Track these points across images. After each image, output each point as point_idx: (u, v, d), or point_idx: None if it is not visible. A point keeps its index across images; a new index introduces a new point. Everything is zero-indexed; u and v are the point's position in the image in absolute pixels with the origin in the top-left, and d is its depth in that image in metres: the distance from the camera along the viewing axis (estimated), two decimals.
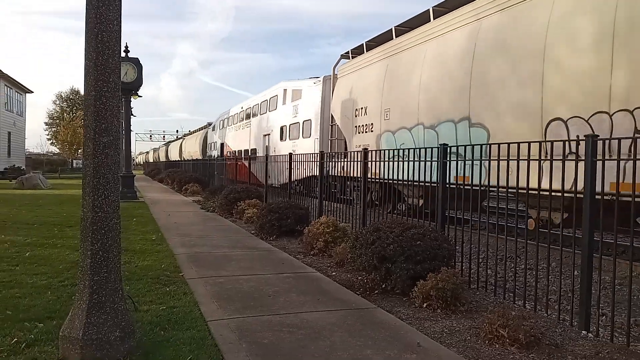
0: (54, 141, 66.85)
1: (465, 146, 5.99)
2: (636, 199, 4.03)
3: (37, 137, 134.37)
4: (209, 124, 40.43)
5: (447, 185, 6.37)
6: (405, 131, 11.75)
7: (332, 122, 16.21)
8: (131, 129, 19.38)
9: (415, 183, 7.02)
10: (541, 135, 8.13)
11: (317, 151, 13.09)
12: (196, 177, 23.51)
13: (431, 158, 6.43)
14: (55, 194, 19.79)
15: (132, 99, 18.68)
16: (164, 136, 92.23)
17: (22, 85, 40.42)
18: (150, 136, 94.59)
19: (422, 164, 6.62)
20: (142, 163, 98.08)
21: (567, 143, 5.12)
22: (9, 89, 37.98)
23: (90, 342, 3.39)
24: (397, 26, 12.75)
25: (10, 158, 37.43)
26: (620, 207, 4.18)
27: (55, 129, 67.17)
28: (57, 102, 75.05)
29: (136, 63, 17.21)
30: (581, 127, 7.48)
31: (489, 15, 9.55)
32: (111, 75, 3.59)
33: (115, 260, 3.61)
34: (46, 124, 74.51)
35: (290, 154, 12.39)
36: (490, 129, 9.24)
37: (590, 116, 7.39)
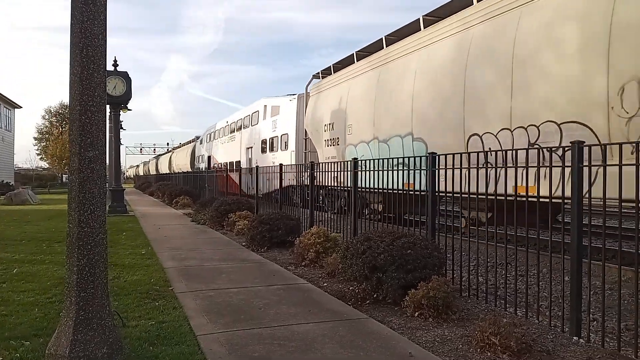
0: (43, 156, 66.38)
1: (460, 154, 6.00)
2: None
3: (26, 153, 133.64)
4: (197, 138, 42.10)
5: (437, 194, 6.38)
6: (364, 144, 13.34)
7: (305, 136, 17.78)
8: (121, 142, 19.30)
9: (377, 190, 7.69)
10: (465, 147, 9.61)
11: (293, 162, 15.31)
12: (187, 189, 23.41)
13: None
14: (44, 209, 19.62)
15: (121, 113, 18.61)
16: (154, 149, 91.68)
17: (10, 100, 40.16)
18: (141, 149, 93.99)
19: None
20: (132, 176, 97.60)
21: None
22: None
23: (77, 359, 3.34)
24: (358, 51, 14.55)
25: None
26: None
27: (44, 143, 66.73)
28: (47, 116, 74.64)
29: (125, 77, 17.18)
30: (492, 141, 8.99)
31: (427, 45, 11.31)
32: (96, 89, 3.57)
33: (102, 276, 3.57)
34: (35, 138, 74.02)
35: (281, 165, 12.38)
36: (427, 143, 10.88)
37: (498, 132, 8.88)
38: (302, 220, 10.10)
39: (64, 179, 57.76)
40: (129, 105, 18.48)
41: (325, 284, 6.46)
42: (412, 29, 11.97)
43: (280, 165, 12.50)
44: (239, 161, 24.87)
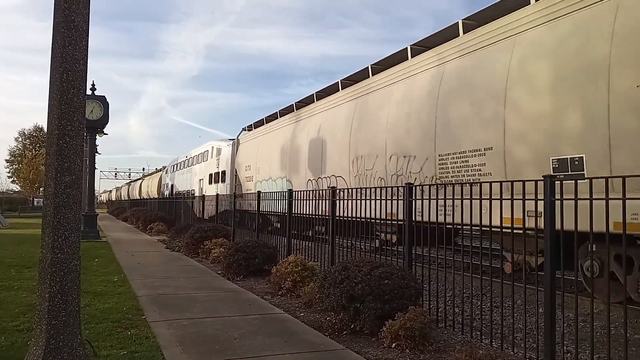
0: (15, 178, 65.04)
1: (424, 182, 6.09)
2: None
3: None
4: (164, 167, 47.85)
5: (414, 224, 6.43)
6: (269, 180, 18.52)
7: (236, 173, 23.06)
8: (96, 166, 19.05)
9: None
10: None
11: (229, 192, 20.73)
12: (161, 215, 23.10)
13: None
14: (14, 233, 19.12)
15: (97, 137, 18.42)
16: (129, 174, 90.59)
17: None
18: (116, 174, 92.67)
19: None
20: (105, 201, 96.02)
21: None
22: None
23: None
24: (267, 116, 20.32)
25: None
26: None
27: (16, 166, 65.45)
28: (20, 139, 73.40)
29: (102, 101, 17.09)
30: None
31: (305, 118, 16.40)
32: (75, 113, 3.57)
33: (74, 304, 3.50)
34: (7, 161, 72.60)
35: (259, 192, 12.39)
36: (293, 183, 16.02)
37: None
38: (280, 248, 10.05)
39: (35, 203, 56.61)
40: (106, 130, 18.36)
41: (302, 314, 6.40)
42: (310, 100, 16.34)
43: (217, 194, 16.75)
44: (194, 190, 29.68)
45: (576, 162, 6.95)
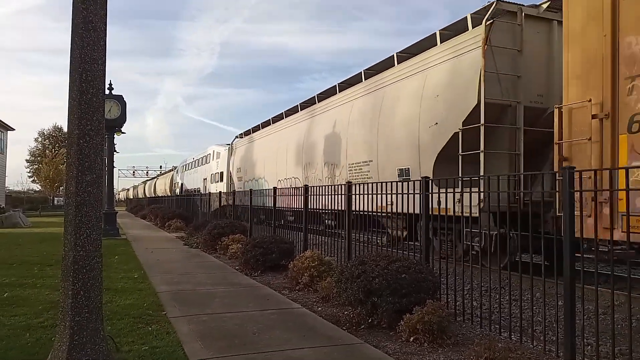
0: (35, 178, 66.05)
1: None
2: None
3: (17, 175, 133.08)
4: (174, 167, 51.38)
5: (431, 217, 6.41)
6: (254, 180, 22.26)
7: (230, 174, 27.49)
8: (114, 165, 19.27)
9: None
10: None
11: (224, 190, 23.72)
12: (179, 212, 23.33)
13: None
14: (35, 232, 19.45)
15: (115, 136, 18.63)
16: (147, 172, 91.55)
17: (3, 122, 40.07)
18: (134, 172, 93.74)
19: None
20: (124, 199, 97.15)
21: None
22: None
23: None
24: (262, 122, 23.13)
25: None
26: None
27: (36, 166, 66.46)
28: (40, 139, 74.49)
29: (120, 100, 17.26)
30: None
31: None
32: (95, 113, 3.61)
33: (96, 300, 3.55)
34: (27, 161, 73.75)
35: (275, 188, 12.45)
36: (268, 182, 19.66)
37: None
38: (296, 243, 10.08)
39: (55, 202, 57.45)
40: (123, 128, 18.55)
41: (319, 308, 6.42)
42: (293, 111, 18.90)
43: (220, 192, 20.05)
44: (199, 188, 33.26)
45: (406, 170, 10.96)
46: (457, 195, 6.32)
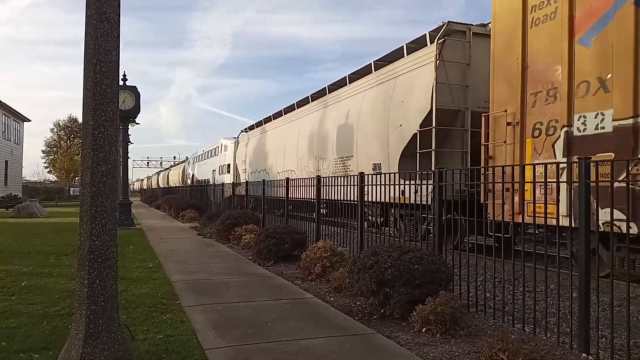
0: (51, 169, 66.81)
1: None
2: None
3: (34, 166, 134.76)
4: (187, 159, 52.68)
5: (443, 206, 6.39)
6: (258, 172, 24.13)
7: (236, 166, 29.43)
8: (128, 156, 19.38)
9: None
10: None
11: (232, 181, 25.68)
12: (193, 203, 23.46)
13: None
14: (51, 222, 19.71)
15: (129, 127, 18.75)
16: (161, 162, 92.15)
17: (19, 113, 40.61)
18: (148, 163, 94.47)
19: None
20: (138, 189, 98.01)
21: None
22: (6, 117, 38.16)
23: None
24: (264, 118, 25.26)
25: (7, 186, 37.35)
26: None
27: (52, 156, 67.21)
28: (55, 130, 75.26)
29: (134, 91, 17.34)
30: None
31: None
32: (109, 104, 3.63)
33: (112, 289, 3.59)
34: (43, 152, 74.58)
35: (287, 179, 12.47)
36: (269, 174, 22.10)
37: None
38: (309, 234, 10.10)
39: (71, 192, 58.11)
40: (137, 119, 18.65)
41: (332, 299, 6.44)
42: (290, 109, 21.15)
43: (233, 182, 21.64)
44: (209, 179, 35.11)
45: (379, 165, 12.70)
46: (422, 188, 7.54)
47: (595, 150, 6.79)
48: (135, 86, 17.36)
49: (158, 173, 79.56)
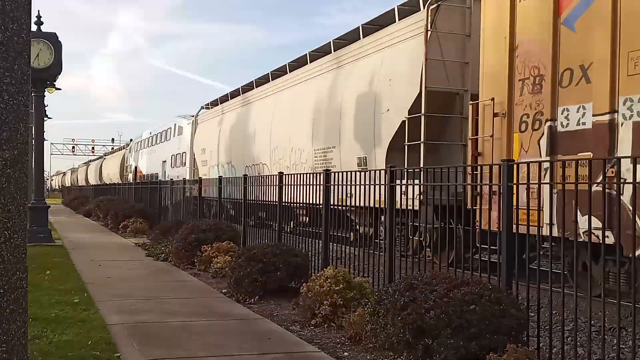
0: None
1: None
2: None
3: None
4: (127, 145, 54.67)
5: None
6: (223, 165, 25.65)
7: (194, 156, 30.17)
8: (45, 137, 19.49)
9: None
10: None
11: (189, 177, 28.37)
12: (140, 208, 23.51)
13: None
14: None
15: (47, 94, 18.81)
16: (93, 148, 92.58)
17: None
18: (73, 148, 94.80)
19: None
20: (59, 188, 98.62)
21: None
22: None
23: None
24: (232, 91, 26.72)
25: None
26: None
27: None
28: None
29: (53, 41, 17.29)
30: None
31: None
32: (16, 60, 3.61)
33: (18, 335, 3.58)
34: None
35: (281, 174, 12.49)
36: (236, 168, 23.91)
37: None
38: (312, 256, 10.07)
39: None
40: (58, 83, 18.70)
41: (346, 353, 6.45)
42: (265, 79, 22.50)
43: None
44: (157, 173, 36.71)
45: (365, 159, 14.30)
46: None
47: (577, 149, 7.93)
48: (54, 33, 17.34)
49: (87, 163, 79.74)
